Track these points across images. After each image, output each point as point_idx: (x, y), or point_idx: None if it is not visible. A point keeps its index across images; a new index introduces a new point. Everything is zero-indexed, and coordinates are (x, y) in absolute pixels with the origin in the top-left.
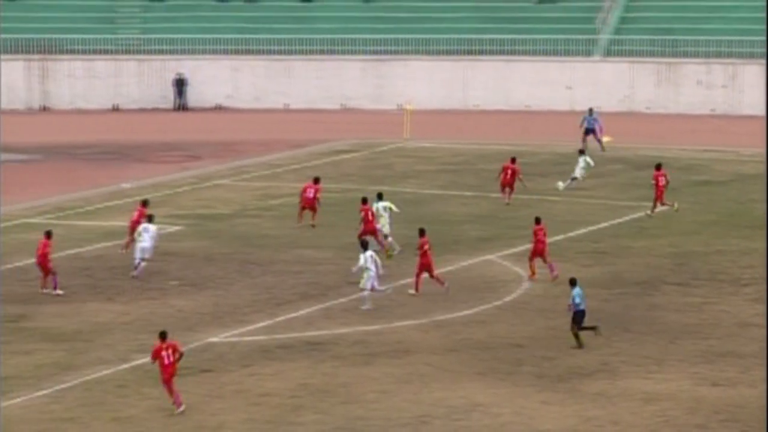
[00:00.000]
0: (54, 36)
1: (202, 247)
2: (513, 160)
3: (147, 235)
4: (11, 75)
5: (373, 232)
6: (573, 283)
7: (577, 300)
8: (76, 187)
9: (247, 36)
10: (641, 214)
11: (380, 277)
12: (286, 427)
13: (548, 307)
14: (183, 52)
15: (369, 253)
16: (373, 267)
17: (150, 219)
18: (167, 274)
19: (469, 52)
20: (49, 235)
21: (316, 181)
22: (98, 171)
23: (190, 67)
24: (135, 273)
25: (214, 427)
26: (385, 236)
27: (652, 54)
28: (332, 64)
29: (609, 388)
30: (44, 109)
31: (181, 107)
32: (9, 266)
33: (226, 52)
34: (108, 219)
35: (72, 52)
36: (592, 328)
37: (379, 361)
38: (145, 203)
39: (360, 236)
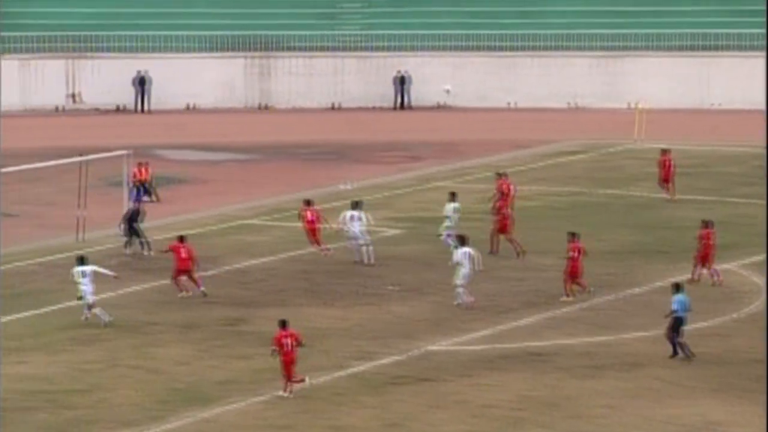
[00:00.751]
0: (274, 33)
1: (421, 252)
2: (665, 152)
3: (358, 222)
4: (230, 73)
5: (505, 230)
6: (677, 288)
7: (675, 306)
8: (294, 188)
9: (471, 32)
10: None
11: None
12: None
13: None
14: (404, 48)
15: (465, 249)
16: (468, 263)
17: (356, 206)
18: (385, 279)
19: (709, 48)
20: (182, 239)
21: (504, 175)
22: (317, 171)
23: (412, 64)
24: (365, 256)
25: None
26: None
27: None
28: (560, 60)
29: None
30: (264, 107)
31: (403, 106)
32: (227, 268)
33: (448, 48)
34: (327, 221)
35: (292, 49)
36: (687, 355)
37: (606, 373)
38: (308, 202)
39: (499, 232)
